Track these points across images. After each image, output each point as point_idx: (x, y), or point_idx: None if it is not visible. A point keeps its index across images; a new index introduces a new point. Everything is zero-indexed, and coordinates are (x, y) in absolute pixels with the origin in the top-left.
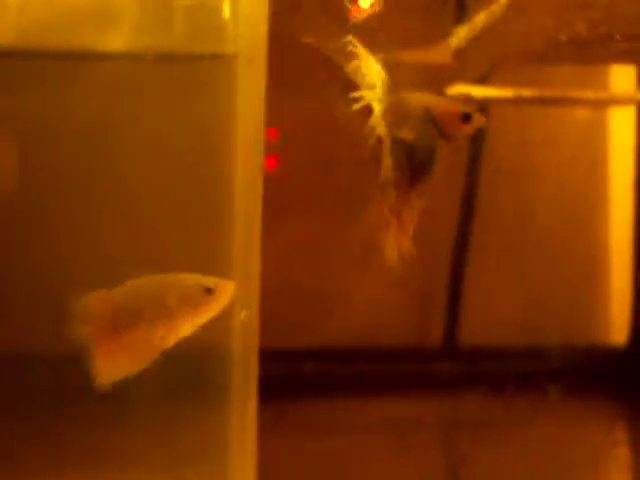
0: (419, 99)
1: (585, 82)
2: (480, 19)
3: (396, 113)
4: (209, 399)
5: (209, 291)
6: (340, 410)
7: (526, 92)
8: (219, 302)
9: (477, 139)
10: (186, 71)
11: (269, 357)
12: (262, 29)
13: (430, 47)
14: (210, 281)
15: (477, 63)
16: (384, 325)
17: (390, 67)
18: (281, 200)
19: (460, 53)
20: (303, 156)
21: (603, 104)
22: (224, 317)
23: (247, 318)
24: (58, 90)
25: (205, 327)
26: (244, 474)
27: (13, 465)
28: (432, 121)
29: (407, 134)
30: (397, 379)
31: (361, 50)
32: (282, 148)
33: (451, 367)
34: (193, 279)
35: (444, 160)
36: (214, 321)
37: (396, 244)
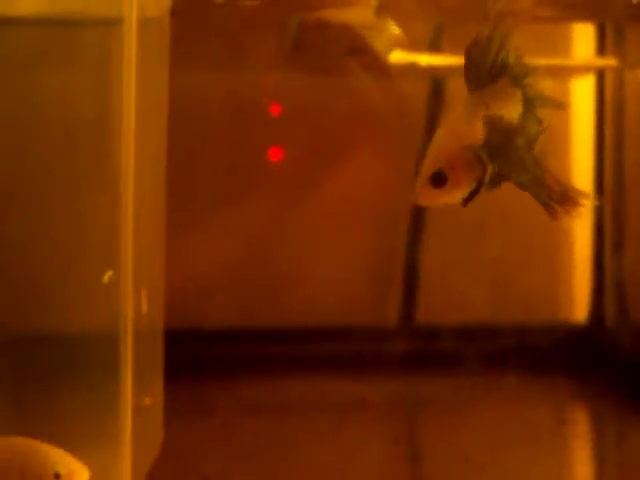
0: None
1: (546, 50)
2: None
3: None
4: (99, 381)
5: (58, 477)
6: (294, 391)
7: None
8: None
9: (433, 113)
10: (83, 37)
11: (222, 337)
12: None
13: (349, 5)
14: (62, 465)
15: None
16: (340, 304)
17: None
18: (244, 179)
19: (383, 10)
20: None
21: (565, 72)
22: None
23: (111, 279)
24: None
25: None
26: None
27: None
28: None
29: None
30: (353, 359)
31: None
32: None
33: (408, 346)
34: (44, 459)
35: (401, 136)
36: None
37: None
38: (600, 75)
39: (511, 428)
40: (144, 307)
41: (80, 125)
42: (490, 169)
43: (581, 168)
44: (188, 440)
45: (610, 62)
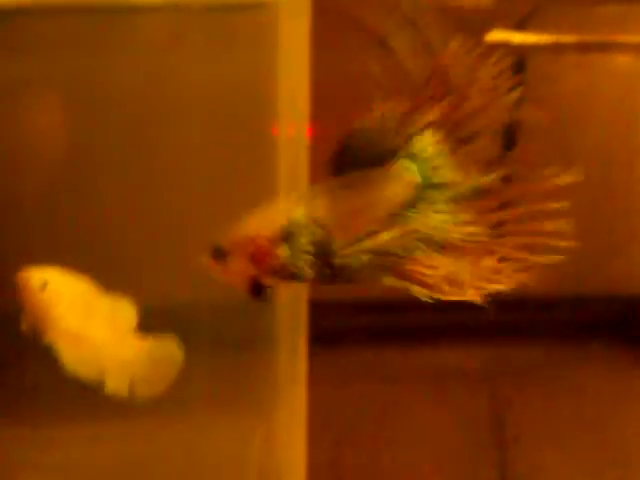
0: None
1: (629, 26)
2: None
3: None
4: (257, 349)
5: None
6: (388, 360)
7: (566, 38)
8: None
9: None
10: (229, 21)
11: (324, 309)
12: None
13: None
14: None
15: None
16: None
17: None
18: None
19: None
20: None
21: None
22: None
23: None
24: (104, 45)
25: None
26: (293, 422)
27: None
28: None
29: None
30: (443, 329)
31: None
32: None
33: (496, 317)
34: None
35: None
36: None
37: None
38: None
39: (598, 395)
40: None
41: (238, 107)
42: (276, 264)
43: None
44: None
45: None
